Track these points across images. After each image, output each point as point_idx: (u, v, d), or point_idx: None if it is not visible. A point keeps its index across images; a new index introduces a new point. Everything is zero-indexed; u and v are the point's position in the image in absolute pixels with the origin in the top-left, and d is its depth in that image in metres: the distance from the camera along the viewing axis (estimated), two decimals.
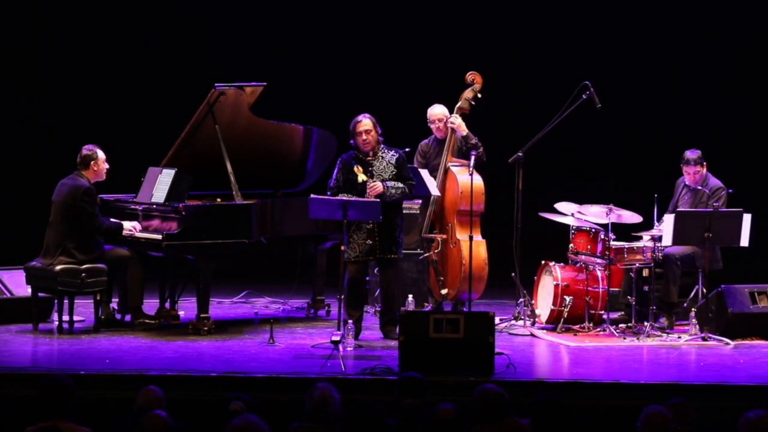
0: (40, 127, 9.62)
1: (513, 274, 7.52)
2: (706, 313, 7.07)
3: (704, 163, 7.37)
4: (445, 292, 7.47)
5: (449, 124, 7.43)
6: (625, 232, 7.47)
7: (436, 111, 7.59)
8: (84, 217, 6.89)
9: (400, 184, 6.81)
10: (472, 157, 7.21)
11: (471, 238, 7.21)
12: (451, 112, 7.49)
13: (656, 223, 7.30)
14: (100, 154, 7.07)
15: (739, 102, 9.31)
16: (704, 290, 7.14)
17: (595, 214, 7.25)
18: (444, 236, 7.50)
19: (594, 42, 9.35)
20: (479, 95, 7.48)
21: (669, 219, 7.13)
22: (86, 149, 7.09)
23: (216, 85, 7.12)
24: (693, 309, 7.12)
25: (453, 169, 7.45)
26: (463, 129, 7.41)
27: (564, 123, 7.52)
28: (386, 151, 6.88)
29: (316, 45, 9.61)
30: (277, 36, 9.66)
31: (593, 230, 7.25)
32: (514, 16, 9.52)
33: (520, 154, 7.52)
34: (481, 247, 7.41)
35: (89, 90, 9.56)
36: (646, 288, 7.24)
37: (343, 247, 6.62)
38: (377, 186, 6.73)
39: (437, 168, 7.54)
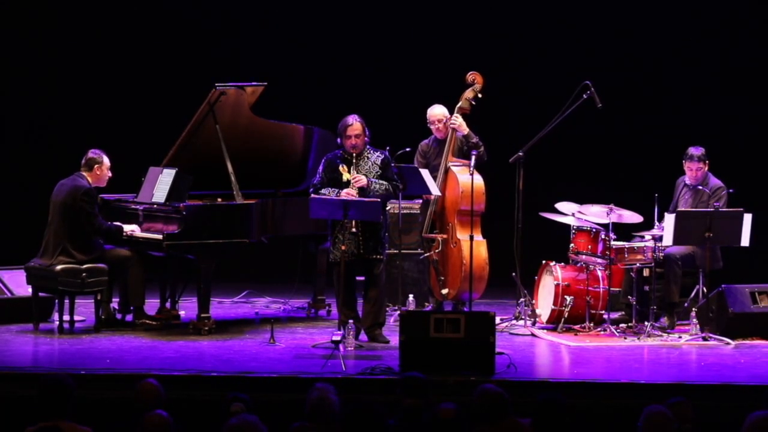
0: (40, 126, 9.62)
1: (513, 274, 7.51)
2: (706, 313, 7.03)
3: (707, 162, 7.35)
4: (446, 292, 7.48)
5: (450, 124, 7.43)
6: (625, 232, 7.47)
7: (436, 111, 7.59)
8: (83, 218, 6.90)
9: (384, 183, 6.82)
10: (473, 157, 7.21)
11: (471, 237, 7.21)
12: (451, 112, 7.48)
13: (656, 223, 7.26)
14: (106, 161, 7.10)
15: (740, 102, 9.29)
16: (705, 290, 7.12)
17: (595, 214, 7.25)
18: (444, 236, 7.50)
19: (594, 41, 9.34)
20: (480, 95, 7.47)
21: (669, 219, 7.09)
22: (93, 152, 7.11)
23: (216, 85, 7.12)
24: (693, 309, 7.11)
25: (453, 168, 7.45)
26: (464, 128, 7.42)
27: (565, 123, 7.51)
28: (372, 151, 6.88)
29: (316, 44, 9.60)
30: (277, 35, 9.65)
31: (594, 230, 7.24)
32: (514, 16, 9.51)
33: (520, 153, 7.51)
34: (481, 247, 7.42)
35: (89, 90, 9.55)
36: (646, 288, 7.22)
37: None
38: (361, 178, 6.73)
39: (438, 168, 7.54)
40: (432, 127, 7.62)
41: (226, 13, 9.73)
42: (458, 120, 7.41)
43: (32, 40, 9.64)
